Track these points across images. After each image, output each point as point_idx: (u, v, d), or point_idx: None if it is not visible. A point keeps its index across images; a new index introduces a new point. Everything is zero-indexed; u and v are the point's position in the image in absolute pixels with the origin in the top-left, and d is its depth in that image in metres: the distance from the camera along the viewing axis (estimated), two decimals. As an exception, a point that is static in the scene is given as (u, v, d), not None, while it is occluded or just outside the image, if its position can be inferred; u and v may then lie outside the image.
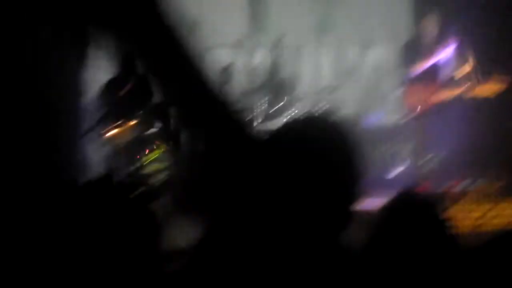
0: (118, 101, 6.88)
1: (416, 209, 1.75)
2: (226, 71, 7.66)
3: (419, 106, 6.50)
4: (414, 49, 6.57)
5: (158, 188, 7.05)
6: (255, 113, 7.86)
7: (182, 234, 1.85)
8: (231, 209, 1.43)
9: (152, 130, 7.15)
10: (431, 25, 6.58)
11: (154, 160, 7.27)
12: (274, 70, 8.24)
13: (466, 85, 6.37)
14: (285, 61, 8.31)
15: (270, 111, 7.89)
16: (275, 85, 8.08)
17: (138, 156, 6.92)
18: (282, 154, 1.42)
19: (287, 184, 1.37)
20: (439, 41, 6.52)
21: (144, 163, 7.07)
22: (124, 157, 6.97)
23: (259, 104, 7.88)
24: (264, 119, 7.84)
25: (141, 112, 6.87)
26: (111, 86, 7.02)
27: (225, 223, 1.43)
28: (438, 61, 6.49)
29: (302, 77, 8.40)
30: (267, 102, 7.94)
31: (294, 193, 1.37)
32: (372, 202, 1.78)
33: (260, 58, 8.55)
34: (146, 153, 7.23)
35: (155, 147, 7.24)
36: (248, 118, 7.88)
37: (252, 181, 1.40)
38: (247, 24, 8.75)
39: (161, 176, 7.21)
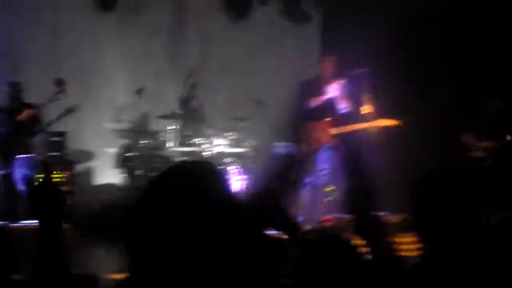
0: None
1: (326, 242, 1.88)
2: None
3: (319, 139, 6.72)
4: (311, 85, 6.83)
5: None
6: (168, 137, 8.18)
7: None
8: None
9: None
10: (328, 65, 6.88)
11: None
12: (187, 99, 8.61)
13: (365, 121, 6.62)
14: (198, 91, 8.62)
15: (183, 136, 8.21)
16: (188, 113, 8.41)
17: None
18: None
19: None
20: (336, 80, 6.78)
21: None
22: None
23: (172, 129, 8.18)
24: (177, 143, 8.17)
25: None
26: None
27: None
28: (334, 97, 6.73)
29: (213, 107, 8.79)
30: (180, 128, 8.29)
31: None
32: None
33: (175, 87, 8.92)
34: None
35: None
36: (162, 141, 8.21)
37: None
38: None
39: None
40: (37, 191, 2.13)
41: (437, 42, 8.22)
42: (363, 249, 1.97)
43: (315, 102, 6.73)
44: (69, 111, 7.67)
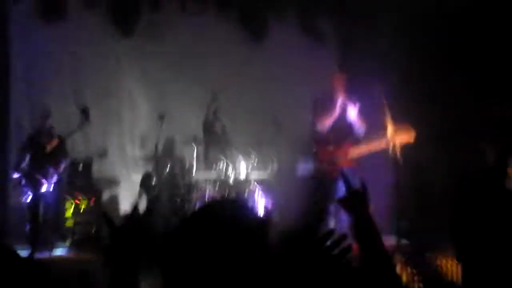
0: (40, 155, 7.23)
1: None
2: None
3: (339, 163, 6.66)
4: (324, 103, 6.88)
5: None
6: (191, 163, 8.23)
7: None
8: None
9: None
10: (340, 84, 6.90)
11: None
12: (210, 124, 8.67)
13: (381, 142, 6.56)
14: (221, 116, 8.71)
15: (206, 162, 8.25)
16: (212, 138, 8.46)
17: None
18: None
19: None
20: (346, 97, 6.83)
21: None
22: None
23: (195, 155, 8.24)
24: (200, 169, 8.22)
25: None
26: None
27: None
28: (350, 118, 6.77)
29: (236, 132, 8.84)
30: (203, 153, 8.34)
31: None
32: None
33: (197, 112, 9.01)
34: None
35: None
36: (186, 166, 8.26)
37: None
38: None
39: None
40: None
41: (451, 53, 8.18)
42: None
43: (328, 121, 6.78)
44: (101, 155, 7.82)
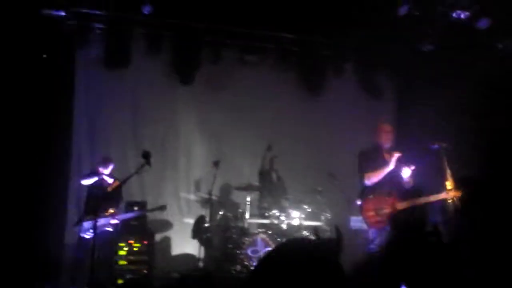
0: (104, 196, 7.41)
1: None
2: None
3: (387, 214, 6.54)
4: (370, 157, 6.75)
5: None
6: (244, 209, 8.28)
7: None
8: None
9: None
10: (386, 135, 6.83)
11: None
12: (266, 172, 8.75)
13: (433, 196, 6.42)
14: (276, 166, 8.80)
15: (260, 208, 8.29)
16: (266, 185, 8.53)
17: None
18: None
19: None
20: (393, 150, 6.72)
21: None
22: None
23: (249, 201, 8.29)
24: (253, 215, 8.26)
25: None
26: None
27: None
28: (397, 171, 6.62)
29: (290, 181, 8.89)
30: (258, 199, 8.40)
31: None
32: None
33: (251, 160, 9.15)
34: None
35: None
36: (240, 212, 8.30)
37: None
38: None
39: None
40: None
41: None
42: None
43: (377, 177, 6.65)
44: (162, 208, 8.00)
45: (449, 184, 6.45)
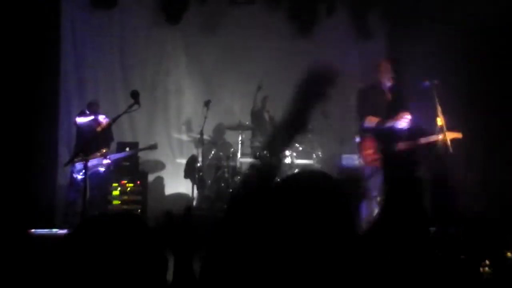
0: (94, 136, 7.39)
1: None
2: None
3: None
4: (369, 98, 6.57)
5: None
6: (236, 148, 8.31)
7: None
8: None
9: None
10: (386, 71, 6.57)
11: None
12: (258, 112, 8.81)
13: (435, 134, 6.34)
14: (268, 105, 8.82)
15: (252, 147, 8.32)
16: (259, 125, 8.56)
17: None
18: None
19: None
20: (396, 88, 6.57)
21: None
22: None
23: (240, 140, 8.32)
24: (245, 154, 8.30)
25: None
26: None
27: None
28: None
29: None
30: (250, 139, 8.44)
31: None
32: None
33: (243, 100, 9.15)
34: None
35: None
36: (232, 152, 8.33)
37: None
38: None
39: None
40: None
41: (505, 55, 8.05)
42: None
43: (377, 123, 6.44)
44: (152, 147, 7.95)
45: (439, 121, 6.43)
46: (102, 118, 7.64)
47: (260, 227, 1.52)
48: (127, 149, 7.99)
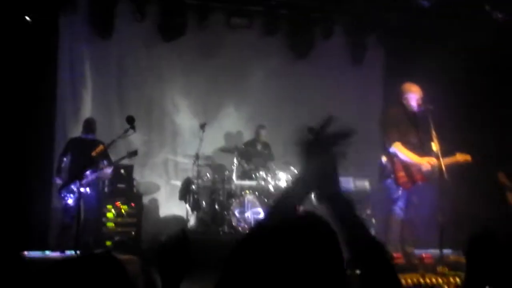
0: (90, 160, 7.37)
1: None
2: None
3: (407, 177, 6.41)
4: (398, 124, 6.42)
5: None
6: (231, 171, 8.30)
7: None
8: None
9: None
10: (414, 96, 6.47)
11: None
12: (252, 142, 8.87)
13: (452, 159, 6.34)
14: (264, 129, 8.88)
15: (248, 170, 8.32)
16: (253, 151, 8.58)
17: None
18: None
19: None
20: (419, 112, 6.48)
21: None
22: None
23: (236, 163, 8.31)
24: (240, 178, 8.30)
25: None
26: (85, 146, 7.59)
27: None
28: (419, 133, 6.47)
29: (277, 144, 8.88)
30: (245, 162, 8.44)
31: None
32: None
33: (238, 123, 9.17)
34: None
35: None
36: (226, 174, 8.31)
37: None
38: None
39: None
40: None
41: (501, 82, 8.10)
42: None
43: (405, 156, 6.41)
44: (131, 155, 7.89)
45: (434, 146, 6.42)
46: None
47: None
48: (105, 162, 7.85)
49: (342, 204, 1.74)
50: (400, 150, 6.40)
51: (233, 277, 1.48)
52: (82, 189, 6.87)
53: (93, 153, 7.41)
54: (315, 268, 1.44)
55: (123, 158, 7.71)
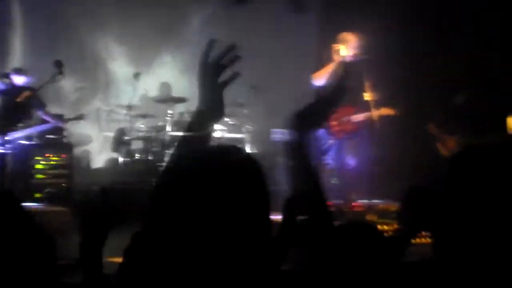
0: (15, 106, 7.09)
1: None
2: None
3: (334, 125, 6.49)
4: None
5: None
6: (165, 121, 8.17)
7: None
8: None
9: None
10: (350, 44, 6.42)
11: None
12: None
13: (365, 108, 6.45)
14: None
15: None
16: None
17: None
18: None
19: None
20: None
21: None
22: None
23: (170, 113, 8.15)
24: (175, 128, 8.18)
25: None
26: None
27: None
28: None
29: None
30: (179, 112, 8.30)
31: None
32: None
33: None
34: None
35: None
36: (160, 125, 8.18)
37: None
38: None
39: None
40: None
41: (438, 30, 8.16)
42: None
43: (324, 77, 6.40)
44: (78, 118, 7.65)
45: (366, 96, 6.49)
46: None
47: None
48: (40, 111, 7.60)
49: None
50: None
51: (153, 220, 1.41)
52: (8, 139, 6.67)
53: (18, 98, 7.12)
54: (239, 200, 1.36)
55: (69, 120, 7.52)
